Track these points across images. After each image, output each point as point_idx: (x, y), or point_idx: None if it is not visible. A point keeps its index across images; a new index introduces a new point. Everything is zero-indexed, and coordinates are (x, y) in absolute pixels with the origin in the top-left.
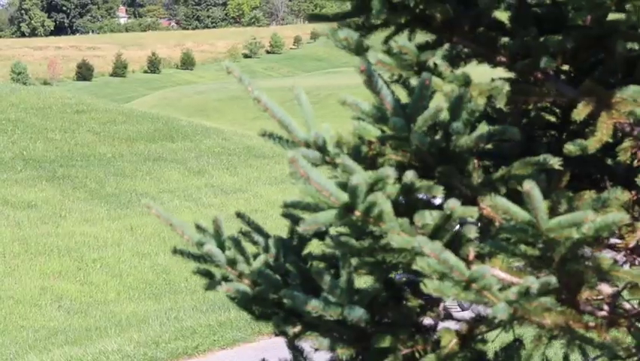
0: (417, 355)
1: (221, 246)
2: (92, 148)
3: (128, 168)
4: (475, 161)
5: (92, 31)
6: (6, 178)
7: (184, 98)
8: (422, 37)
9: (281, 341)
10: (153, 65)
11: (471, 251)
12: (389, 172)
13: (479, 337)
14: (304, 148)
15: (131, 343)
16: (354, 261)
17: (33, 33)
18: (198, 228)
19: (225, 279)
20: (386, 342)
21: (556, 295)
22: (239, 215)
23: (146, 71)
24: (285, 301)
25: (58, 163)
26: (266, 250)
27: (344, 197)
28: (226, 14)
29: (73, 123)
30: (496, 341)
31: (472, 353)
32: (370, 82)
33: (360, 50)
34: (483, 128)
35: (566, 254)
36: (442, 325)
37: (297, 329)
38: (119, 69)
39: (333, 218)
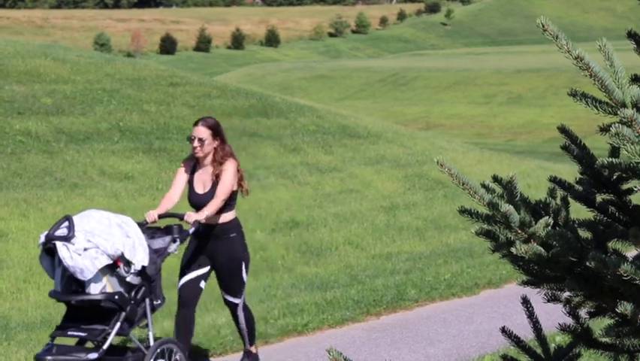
0: None
1: (515, 207)
2: (187, 122)
3: None
4: None
5: (176, 5)
6: (103, 149)
7: (268, 75)
8: None
9: (389, 320)
10: (237, 41)
11: None
12: None
13: None
14: (623, 109)
15: None
16: None
17: (116, 5)
18: (485, 188)
19: (509, 241)
20: None
21: None
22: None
23: (229, 47)
24: (588, 263)
25: (154, 135)
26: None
27: None
28: None
29: (168, 96)
30: None
31: None
32: None
33: None
34: None
35: None
36: None
37: (581, 294)
38: (203, 44)
39: None
